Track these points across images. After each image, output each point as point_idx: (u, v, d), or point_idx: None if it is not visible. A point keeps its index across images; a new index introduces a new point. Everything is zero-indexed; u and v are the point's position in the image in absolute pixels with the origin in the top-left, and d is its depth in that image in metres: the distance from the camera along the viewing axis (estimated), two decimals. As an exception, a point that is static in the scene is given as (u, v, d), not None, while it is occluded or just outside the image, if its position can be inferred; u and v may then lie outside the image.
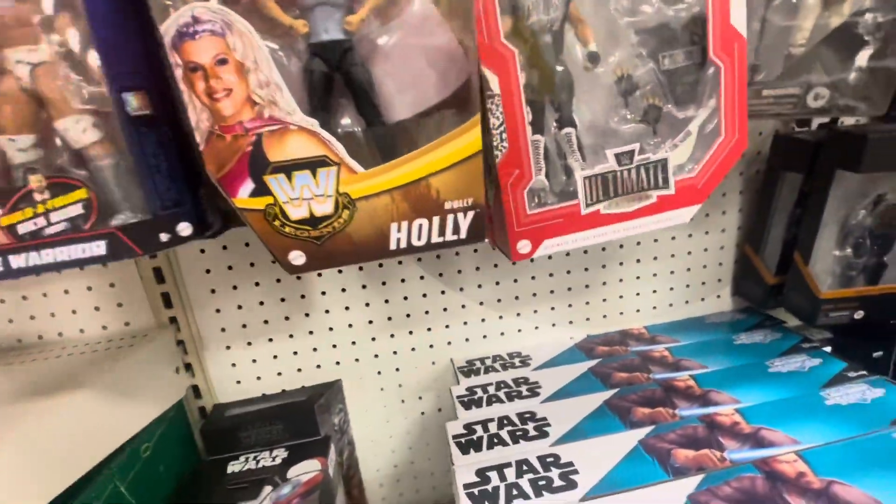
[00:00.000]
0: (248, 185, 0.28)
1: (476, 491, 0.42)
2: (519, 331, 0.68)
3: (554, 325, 0.69)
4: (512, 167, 0.34)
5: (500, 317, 0.67)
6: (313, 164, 0.28)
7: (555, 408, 0.53)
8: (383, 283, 0.63)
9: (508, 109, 0.33)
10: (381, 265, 0.62)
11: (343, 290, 0.62)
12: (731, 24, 0.34)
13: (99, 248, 0.29)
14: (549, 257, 0.66)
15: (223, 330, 0.61)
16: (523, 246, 0.37)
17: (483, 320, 0.67)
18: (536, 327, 0.69)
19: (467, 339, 0.67)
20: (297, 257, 0.30)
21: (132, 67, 0.26)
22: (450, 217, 0.31)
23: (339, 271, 0.61)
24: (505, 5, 0.33)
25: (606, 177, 0.36)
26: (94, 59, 0.27)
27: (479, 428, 0.51)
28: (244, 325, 0.61)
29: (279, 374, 0.64)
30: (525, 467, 0.44)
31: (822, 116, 0.39)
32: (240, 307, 0.60)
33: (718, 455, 0.43)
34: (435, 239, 0.31)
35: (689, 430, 0.47)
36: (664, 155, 0.37)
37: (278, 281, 0.60)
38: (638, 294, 0.70)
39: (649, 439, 0.46)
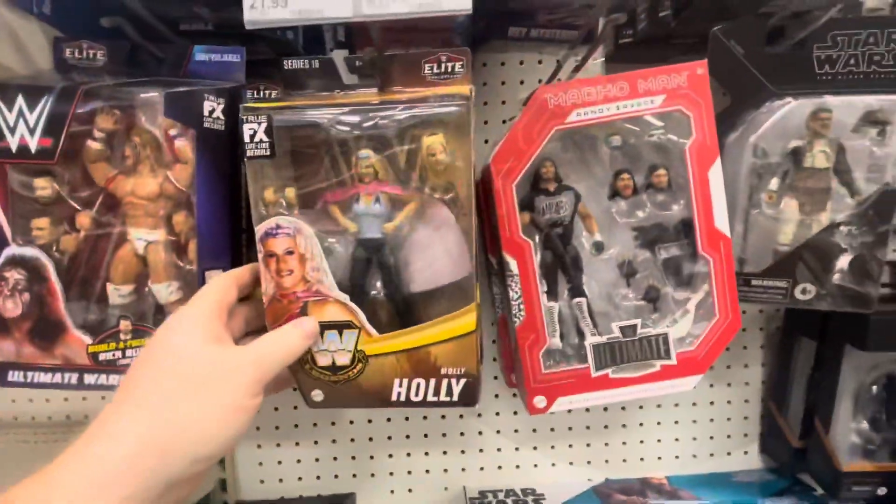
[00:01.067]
0: (291, 338, 0.36)
1: None
2: (535, 465, 0.69)
3: (571, 463, 0.69)
4: (529, 333, 0.41)
5: (517, 448, 0.68)
6: (341, 326, 0.37)
7: (558, 560, 0.52)
8: (406, 402, 0.68)
9: (525, 286, 0.41)
10: (405, 384, 0.67)
11: (368, 404, 0.67)
12: (716, 227, 0.40)
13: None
14: (567, 392, 0.68)
15: (258, 428, 0.67)
16: (539, 401, 0.42)
17: (499, 450, 0.68)
18: (553, 464, 0.69)
19: (482, 468, 0.69)
20: (317, 395, 0.37)
21: (218, 254, 0.36)
22: (444, 381, 0.37)
23: (367, 386, 0.67)
24: (524, 205, 0.42)
25: (613, 346, 0.41)
26: (192, 246, 0.38)
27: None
28: (277, 427, 0.67)
29: (299, 478, 0.68)
30: None
31: (809, 307, 0.42)
32: (276, 409, 0.67)
33: None
34: (430, 398, 0.37)
35: None
36: (664, 330, 0.41)
37: (313, 389, 0.67)
38: (659, 441, 0.69)
39: None
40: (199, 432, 0.28)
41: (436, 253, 0.37)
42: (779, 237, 0.42)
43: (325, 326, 0.36)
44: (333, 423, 0.67)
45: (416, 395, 0.37)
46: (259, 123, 0.34)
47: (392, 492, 0.68)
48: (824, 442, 0.57)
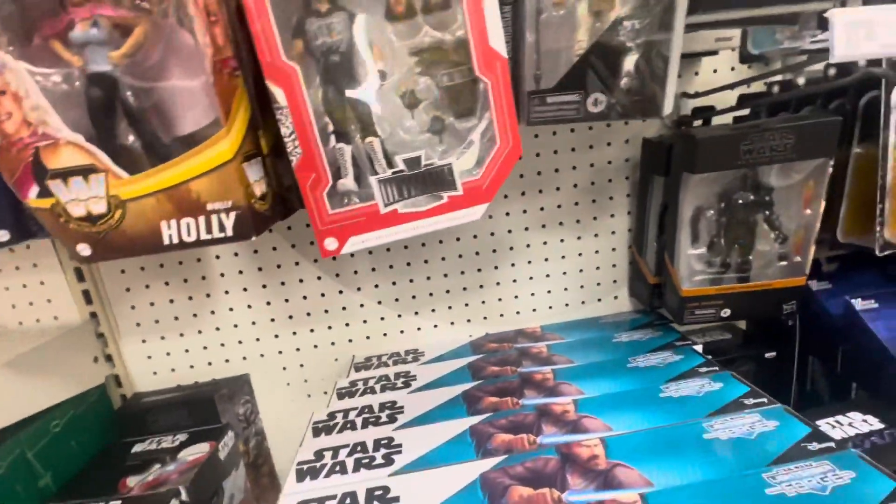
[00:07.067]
0: (34, 189, 0.35)
1: (305, 467, 0.46)
2: (418, 329, 0.72)
3: (453, 323, 0.72)
4: (308, 171, 0.39)
5: (399, 315, 0.71)
6: (84, 171, 0.34)
7: (416, 399, 0.56)
8: (282, 283, 0.68)
9: (297, 119, 0.38)
10: (279, 266, 0.67)
11: (245, 289, 0.68)
12: (491, 46, 0.38)
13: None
14: (443, 258, 0.70)
15: (138, 325, 0.68)
16: (330, 243, 0.42)
17: (382, 318, 0.71)
18: (436, 326, 0.72)
19: (368, 337, 0.72)
20: (83, 249, 0.36)
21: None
22: (214, 217, 0.36)
23: (240, 272, 0.67)
24: (294, 30, 0.38)
25: (399, 180, 0.40)
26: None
27: (339, 416, 0.55)
28: (157, 321, 0.68)
29: (191, 366, 0.70)
30: (359, 448, 0.48)
31: (603, 120, 0.42)
32: (152, 304, 0.67)
33: (531, 439, 0.46)
34: (204, 236, 0.36)
35: (519, 418, 0.49)
36: (449, 161, 0.41)
37: (185, 281, 0.67)
38: (533, 294, 0.72)
39: (479, 425, 0.49)
40: None
41: (181, 82, 0.34)
42: (573, 46, 0.40)
43: (65, 173, 0.34)
44: (213, 312, 0.68)
45: (189, 234, 0.37)
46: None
47: (284, 368, 0.71)
48: (671, 272, 0.60)
